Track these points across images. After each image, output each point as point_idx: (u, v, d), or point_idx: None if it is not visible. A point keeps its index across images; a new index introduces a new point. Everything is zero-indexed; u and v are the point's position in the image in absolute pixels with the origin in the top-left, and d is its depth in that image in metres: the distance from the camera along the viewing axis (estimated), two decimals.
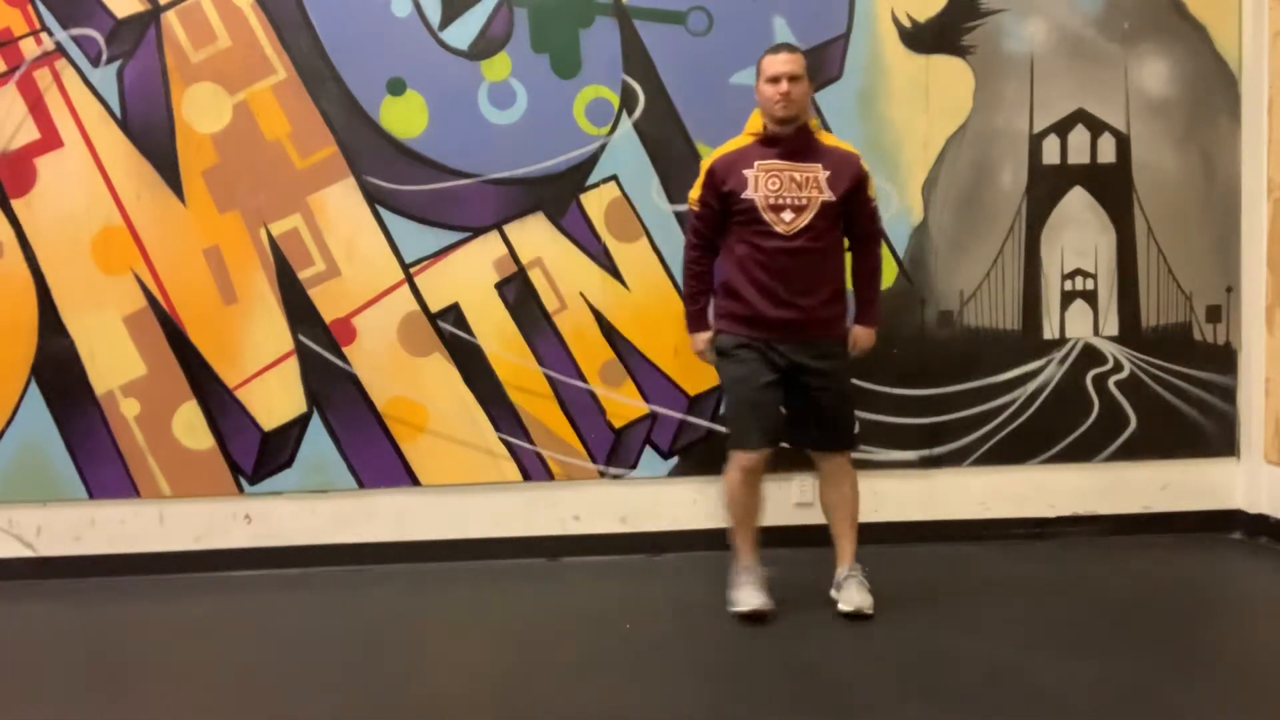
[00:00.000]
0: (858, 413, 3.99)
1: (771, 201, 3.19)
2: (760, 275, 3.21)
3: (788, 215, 3.19)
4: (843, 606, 3.22)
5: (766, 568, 3.33)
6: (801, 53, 3.25)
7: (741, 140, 3.30)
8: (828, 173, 3.22)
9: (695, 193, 3.33)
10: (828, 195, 3.21)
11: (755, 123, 3.28)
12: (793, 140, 3.22)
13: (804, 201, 3.19)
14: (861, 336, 3.40)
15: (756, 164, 3.21)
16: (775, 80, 3.18)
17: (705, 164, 3.31)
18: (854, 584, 3.26)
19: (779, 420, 3.31)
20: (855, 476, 3.38)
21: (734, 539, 3.33)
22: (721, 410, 3.89)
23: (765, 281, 3.20)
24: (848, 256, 3.38)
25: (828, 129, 3.78)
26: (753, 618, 3.20)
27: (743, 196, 3.20)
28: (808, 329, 3.23)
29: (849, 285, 3.39)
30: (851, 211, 3.29)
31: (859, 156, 3.32)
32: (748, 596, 3.24)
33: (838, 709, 2.63)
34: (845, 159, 3.27)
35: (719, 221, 3.29)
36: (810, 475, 4.01)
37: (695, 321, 3.40)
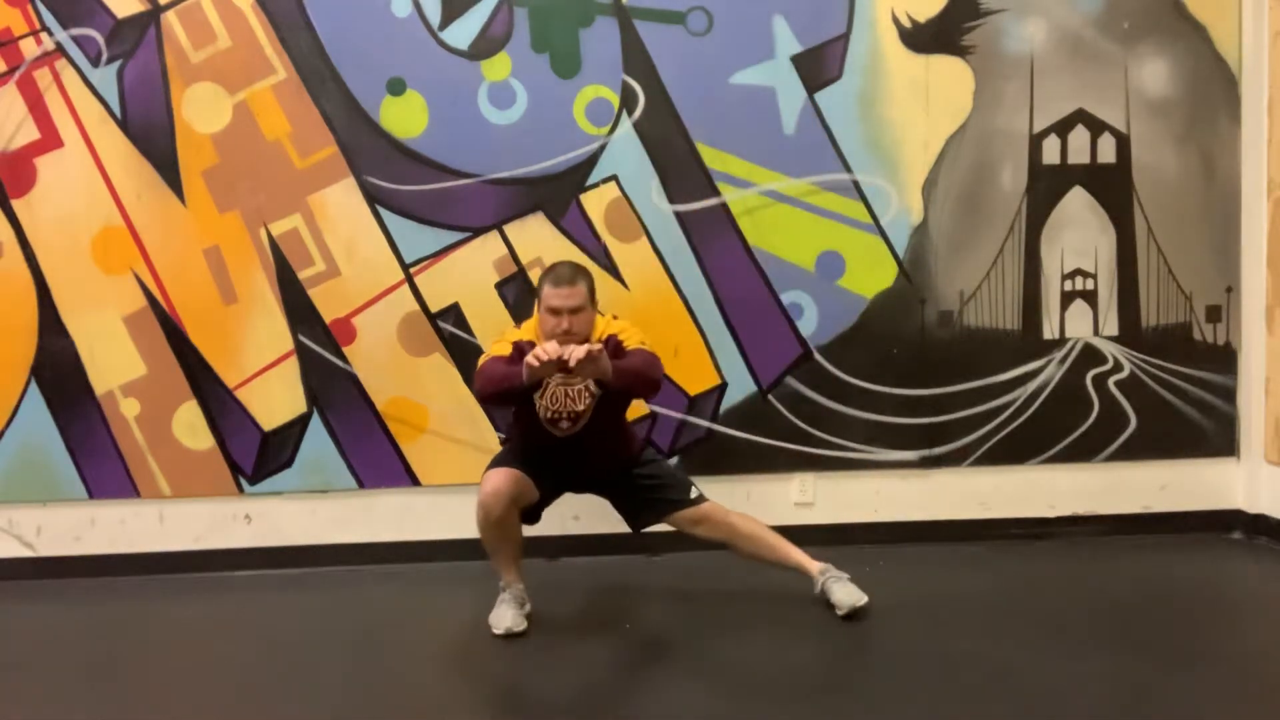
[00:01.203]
0: (857, 412, 4.01)
1: (548, 415, 3.16)
2: (546, 451, 3.21)
3: (564, 424, 3.18)
4: (839, 611, 3.20)
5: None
6: (584, 279, 3.14)
7: (527, 333, 3.20)
8: (600, 345, 3.01)
9: (500, 347, 3.16)
10: (598, 388, 3.14)
11: (538, 334, 3.16)
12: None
13: (579, 409, 3.16)
14: (594, 354, 2.94)
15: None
16: (556, 313, 3.09)
17: (511, 337, 3.19)
18: (834, 585, 3.23)
19: (532, 484, 3.21)
20: (736, 514, 3.32)
21: (493, 563, 3.29)
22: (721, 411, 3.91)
23: (547, 455, 3.22)
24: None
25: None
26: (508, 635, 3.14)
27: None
28: (597, 473, 3.29)
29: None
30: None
31: (617, 331, 3.17)
32: (502, 618, 3.17)
33: (838, 709, 2.63)
34: (609, 342, 3.12)
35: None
36: (811, 474, 4.03)
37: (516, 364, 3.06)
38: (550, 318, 3.12)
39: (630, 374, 3.08)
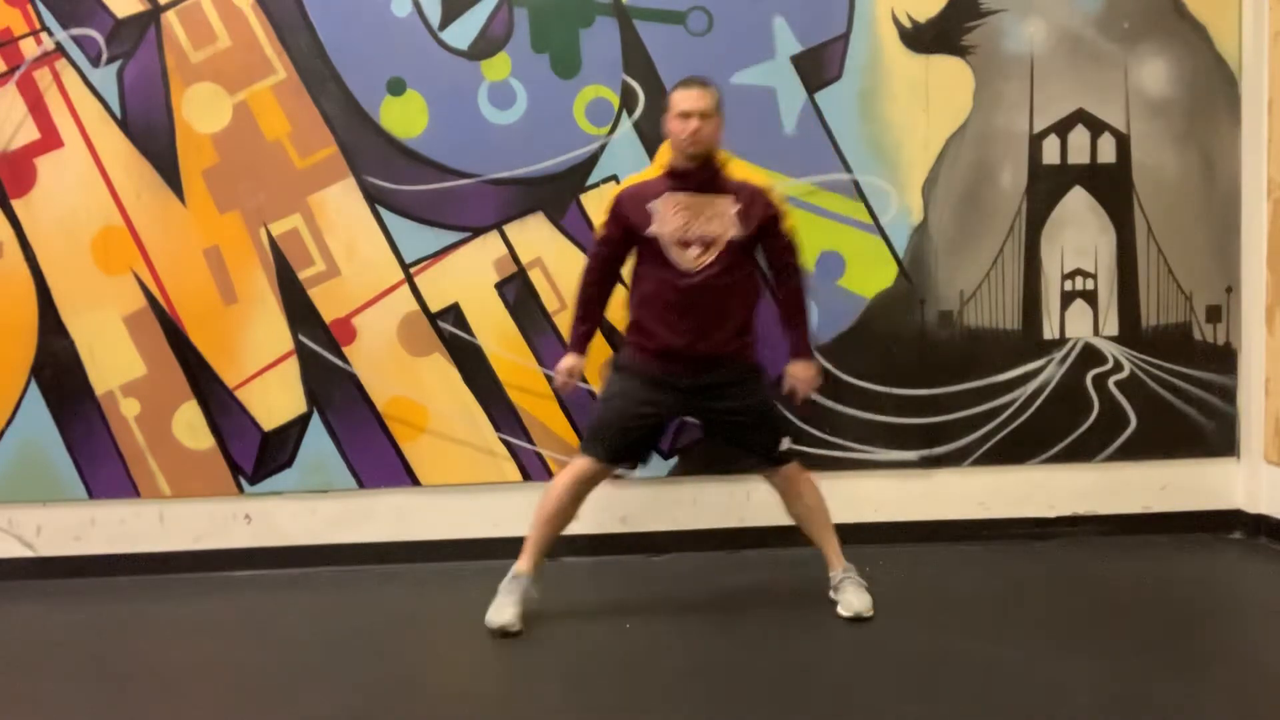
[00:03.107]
0: (857, 412, 4.01)
1: (678, 237, 3.15)
2: (666, 310, 3.19)
3: (694, 251, 3.16)
4: (842, 611, 3.22)
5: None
6: (714, 88, 3.21)
7: (651, 172, 3.28)
8: (738, 207, 3.17)
9: (601, 219, 3.30)
10: (736, 231, 3.17)
11: (665, 155, 3.25)
12: (701, 174, 3.18)
13: (711, 237, 3.16)
14: (800, 372, 3.36)
15: (664, 198, 3.17)
16: (686, 116, 3.13)
17: (612, 195, 3.29)
18: (850, 586, 3.27)
19: (632, 450, 3.29)
20: (810, 483, 3.36)
21: (529, 539, 3.28)
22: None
23: (671, 317, 3.19)
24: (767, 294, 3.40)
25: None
26: (503, 634, 3.14)
27: (648, 231, 3.17)
28: (715, 363, 3.23)
29: (775, 317, 3.40)
30: (766, 247, 3.27)
31: (771, 190, 3.27)
32: (500, 611, 3.17)
33: (838, 709, 2.63)
34: (757, 194, 3.22)
35: (621, 254, 3.28)
36: (811, 474, 4.02)
37: (572, 343, 3.39)
38: (679, 122, 3.14)
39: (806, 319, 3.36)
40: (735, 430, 3.32)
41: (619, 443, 3.26)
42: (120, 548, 3.89)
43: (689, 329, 3.18)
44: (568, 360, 3.37)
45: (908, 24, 3.96)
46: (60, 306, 3.83)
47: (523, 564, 3.27)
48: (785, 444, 3.34)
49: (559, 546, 3.89)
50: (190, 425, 3.87)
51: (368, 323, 3.89)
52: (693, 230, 3.16)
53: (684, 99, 3.15)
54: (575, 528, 3.87)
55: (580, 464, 3.28)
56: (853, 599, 3.22)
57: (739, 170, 3.29)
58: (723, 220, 3.17)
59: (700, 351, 3.20)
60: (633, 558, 3.92)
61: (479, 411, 3.92)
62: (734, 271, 3.20)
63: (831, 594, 3.31)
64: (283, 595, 3.69)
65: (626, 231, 3.23)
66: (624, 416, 3.25)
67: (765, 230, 3.23)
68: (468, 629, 3.21)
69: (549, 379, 3.92)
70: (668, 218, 3.16)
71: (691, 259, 3.16)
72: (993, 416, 4.06)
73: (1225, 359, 4.12)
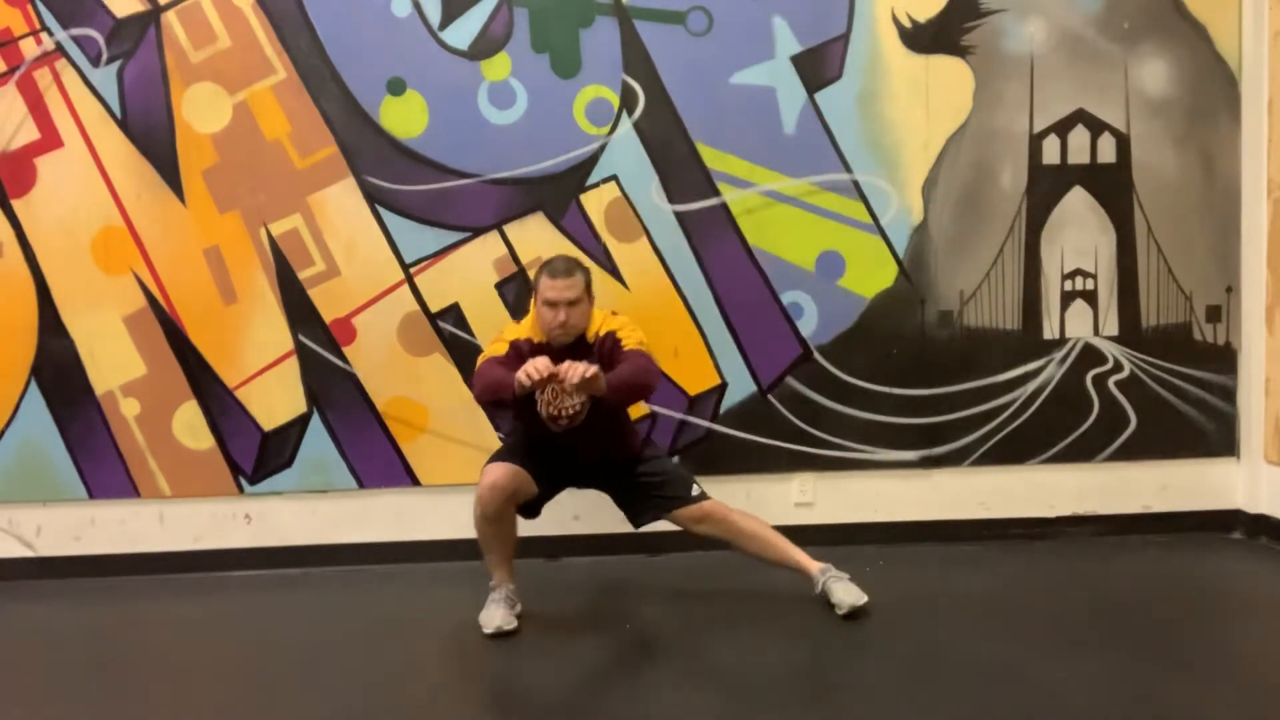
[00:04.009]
0: (858, 412, 4.01)
1: (549, 411, 3.09)
2: (545, 444, 3.19)
3: (563, 421, 3.10)
4: (839, 610, 3.20)
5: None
6: (581, 271, 3.16)
7: (524, 330, 3.22)
8: (596, 366, 3.03)
9: (497, 347, 3.20)
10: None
11: (536, 330, 3.20)
12: (570, 352, 3.10)
13: (577, 405, 3.08)
14: (591, 374, 2.96)
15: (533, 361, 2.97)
16: (552, 306, 3.10)
17: (509, 336, 3.21)
18: (835, 585, 3.24)
19: (531, 479, 3.22)
20: (741, 514, 3.32)
21: (486, 561, 3.27)
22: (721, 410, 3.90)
23: (549, 452, 3.20)
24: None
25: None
26: (499, 634, 3.14)
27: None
28: (595, 467, 3.27)
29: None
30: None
31: (616, 325, 3.20)
32: (490, 617, 3.17)
33: (838, 709, 2.63)
34: (605, 340, 3.17)
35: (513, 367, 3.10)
36: (811, 474, 4.03)
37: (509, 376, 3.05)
38: (547, 310, 3.13)
39: (625, 387, 3.08)
40: (640, 490, 3.29)
41: (521, 462, 3.19)
42: (120, 548, 3.89)
43: (570, 456, 3.21)
44: (539, 362, 3.00)
45: (908, 24, 3.96)
46: (60, 306, 3.83)
47: (495, 579, 3.28)
48: (697, 488, 3.29)
49: (559, 546, 3.91)
50: (190, 425, 3.87)
51: (368, 323, 3.90)
52: (561, 405, 3.07)
53: (550, 288, 3.10)
54: (575, 527, 3.89)
55: (489, 477, 3.14)
56: (843, 595, 3.20)
57: (596, 320, 3.23)
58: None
59: (585, 466, 3.26)
60: (633, 558, 3.92)
61: (479, 411, 3.91)
62: (599, 413, 3.13)
63: (823, 598, 3.27)
64: (283, 595, 3.69)
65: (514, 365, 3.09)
66: (517, 454, 3.21)
67: (611, 356, 3.16)
68: (467, 629, 3.21)
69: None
70: (538, 392, 3.03)
71: (561, 426, 3.10)
72: (993, 416, 4.06)
73: (1225, 359, 4.12)
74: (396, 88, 3.86)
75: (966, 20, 3.98)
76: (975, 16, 3.98)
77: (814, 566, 3.30)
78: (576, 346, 3.19)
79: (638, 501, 3.34)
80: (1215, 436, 4.13)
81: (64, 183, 3.81)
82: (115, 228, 3.83)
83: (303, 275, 3.87)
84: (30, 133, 3.80)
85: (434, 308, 3.91)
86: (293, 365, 3.89)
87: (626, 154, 3.90)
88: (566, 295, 3.11)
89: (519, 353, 3.14)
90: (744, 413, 3.99)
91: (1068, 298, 4.08)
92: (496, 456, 3.26)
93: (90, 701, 2.81)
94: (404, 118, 3.86)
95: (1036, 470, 4.09)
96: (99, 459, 3.86)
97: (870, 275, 4.00)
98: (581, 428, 3.15)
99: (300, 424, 3.90)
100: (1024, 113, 4.02)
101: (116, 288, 3.83)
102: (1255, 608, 3.43)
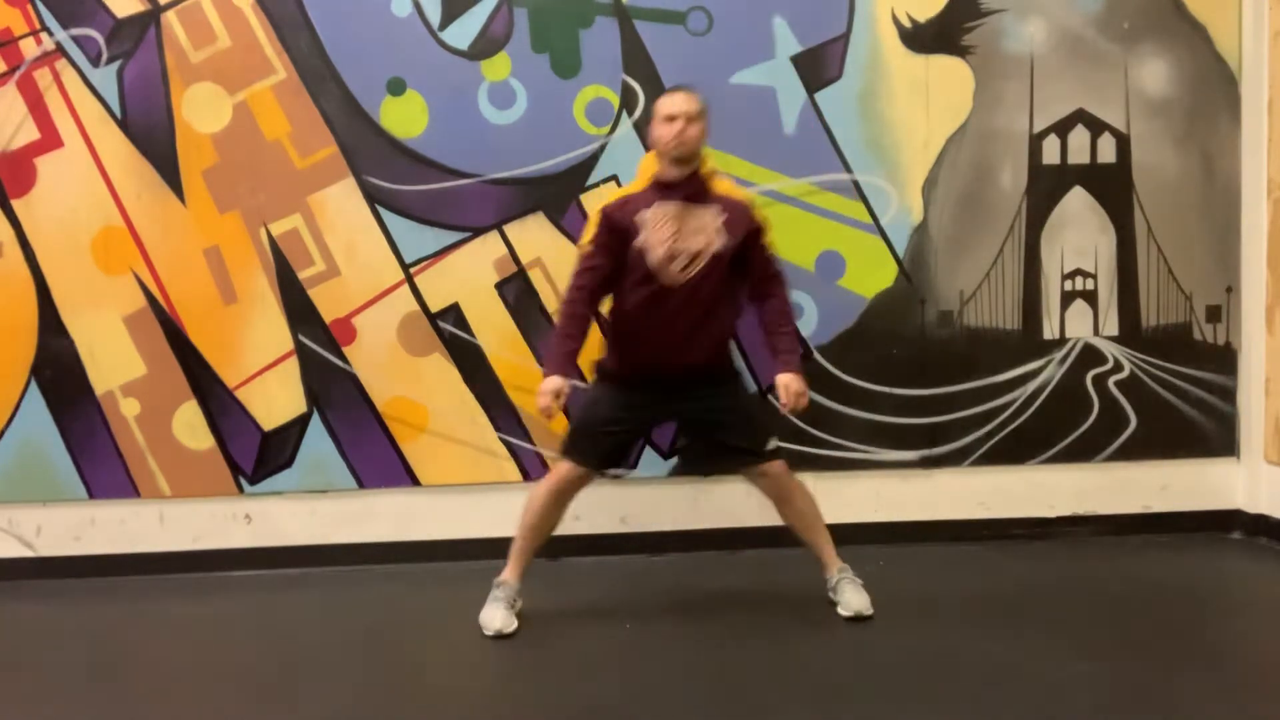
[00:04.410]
0: (858, 412, 4.01)
1: (664, 250, 3.13)
2: (650, 322, 3.17)
3: (680, 263, 3.13)
4: (842, 612, 3.23)
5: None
6: (699, 95, 3.20)
7: (636, 186, 3.26)
8: (723, 218, 3.17)
9: (586, 237, 3.26)
10: (721, 243, 3.16)
11: (650, 167, 3.24)
12: (688, 186, 3.16)
13: (696, 249, 3.14)
14: (790, 383, 3.23)
15: (650, 210, 3.15)
16: (671, 119, 3.12)
17: (597, 209, 3.26)
18: (847, 586, 3.26)
19: (612, 455, 3.29)
20: (800, 485, 3.35)
21: (514, 548, 3.28)
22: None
23: (655, 328, 3.17)
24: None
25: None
26: (498, 636, 3.15)
27: (635, 244, 3.15)
28: (697, 373, 3.23)
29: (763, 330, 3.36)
30: (749, 260, 3.25)
31: (754, 205, 3.28)
32: (491, 617, 3.18)
33: (838, 709, 2.63)
34: (741, 208, 3.23)
35: (610, 267, 3.20)
36: (811, 474, 4.01)
37: (557, 363, 3.19)
38: (664, 126, 3.13)
39: (792, 329, 3.34)
40: (718, 430, 3.30)
41: (598, 448, 3.25)
42: (120, 548, 3.89)
43: (672, 340, 3.17)
44: (554, 382, 3.13)
45: (908, 24, 3.96)
46: (60, 306, 3.83)
47: (508, 573, 3.28)
48: (773, 443, 3.32)
49: (559, 546, 3.90)
50: (190, 425, 3.87)
51: (368, 323, 3.89)
52: (679, 243, 3.14)
53: (669, 103, 3.15)
54: (576, 527, 3.87)
55: (560, 470, 3.27)
56: (852, 598, 3.23)
57: (723, 185, 3.28)
58: (708, 233, 3.16)
59: (683, 362, 3.20)
60: (633, 558, 3.92)
61: (479, 411, 3.92)
62: (718, 284, 3.19)
63: (830, 595, 3.31)
64: (283, 595, 3.68)
65: (614, 245, 3.18)
66: (604, 422, 3.24)
67: (748, 244, 3.22)
68: (467, 629, 3.21)
69: None
70: (655, 229, 3.14)
71: (677, 271, 3.14)
72: (993, 416, 4.06)
73: (1225, 359, 4.12)
74: (396, 88, 3.86)
75: (966, 20, 3.98)
76: (975, 16, 3.98)
77: (835, 563, 3.33)
78: (697, 189, 3.18)
79: (711, 442, 3.33)
80: (1215, 436, 4.13)
81: (64, 183, 3.80)
82: (115, 228, 3.83)
83: (303, 275, 3.87)
84: (30, 133, 3.80)
85: (434, 308, 3.91)
86: (293, 365, 3.89)
87: (626, 154, 3.89)
88: (685, 108, 3.11)
89: (613, 225, 3.17)
90: None
91: (1068, 298, 4.08)
92: (577, 436, 3.27)
93: (90, 701, 2.81)
94: (404, 118, 3.86)
95: (1036, 470, 4.09)
96: (99, 459, 3.86)
97: (870, 275, 4.00)
98: (695, 286, 3.14)
99: (300, 424, 3.90)
100: (1024, 113, 4.02)
101: (116, 288, 3.83)
102: (1255, 608, 3.43)
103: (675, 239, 3.13)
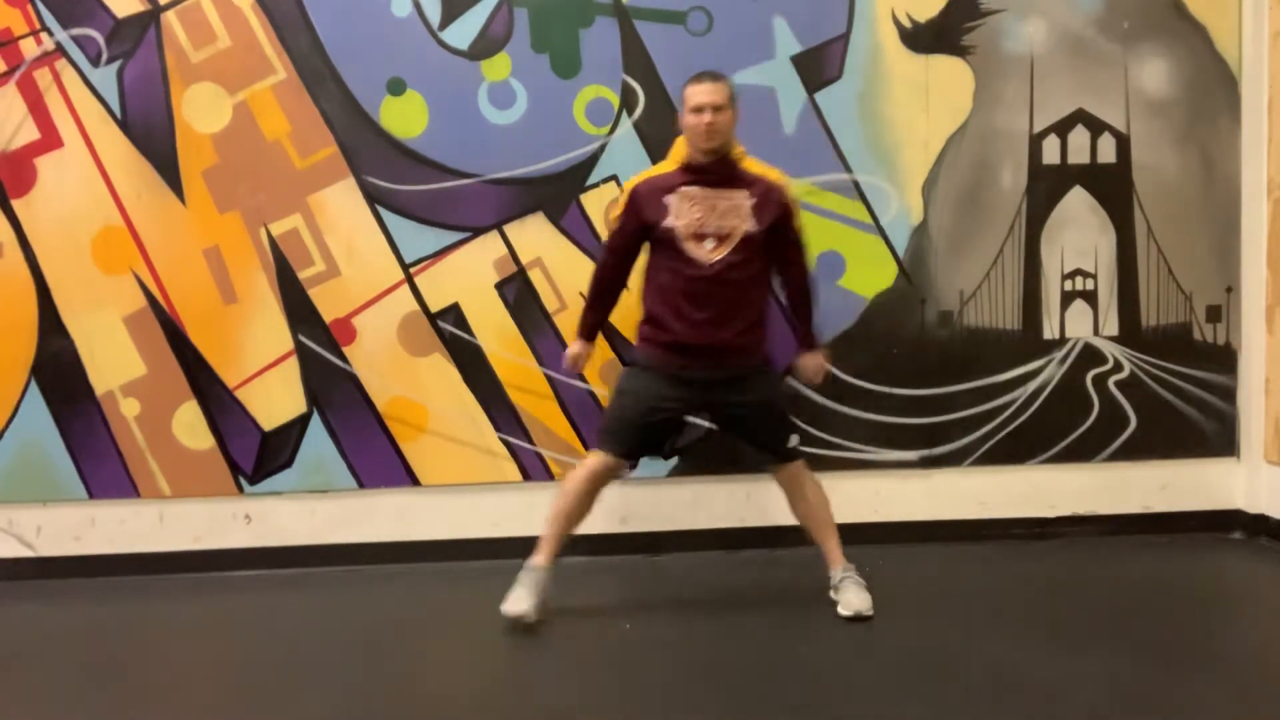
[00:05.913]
0: (858, 412, 4.01)
1: (693, 230, 3.16)
2: (681, 303, 3.19)
3: (709, 244, 3.16)
4: (842, 611, 3.23)
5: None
6: (727, 81, 3.22)
7: (666, 166, 3.28)
8: (753, 201, 3.19)
9: (615, 212, 3.32)
10: (751, 225, 3.18)
11: (680, 151, 3.26)
12: (717, 169, 3.19)
13: (726, 231, 3.17)
14: (809, 363, 3.44)
15: (679, 191, 3.18)
16: (699, 110, 3.14)
17: (628, 187, 3.29)
18: (850, 585, 3.27)
19: (646, 445, 3.32)
20: (814, 481, 3.38)
21: (544, 535, 3.30)
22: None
23: (686, 310, 3.19)
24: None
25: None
26: (517, 622, 3.16)
27: (664, 224, 3.18)
28: (727, 356, 3.23)
29: (785, 313, 3.44)
30: (777, 241, 3.26)
31: (785, 186, 3.29)
32: (517, 601, 3.18)
33: (838, 709, 2.63)
34: (772, 189, 3.24)
35: (635, 245, 3.29)
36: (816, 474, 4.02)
37: (579, 330, 3.42)
38: (692, 116, 3.16)
39: (814, 312, 3.42)
40: (748, 424, 3.33)
41: (633, 439, 3.27)
42: (120, 548, 3.89)
43: (704, 322, 3.19)
44: (575, 346, 3.41)
45: (908, 24, 3.96)
46: (60, 306, 3.83)
47: (539, 558, 3.28)
48: (794, 440, 3.36)
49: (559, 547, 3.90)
50: (190, 425, 3.87)
51: (368, 323, 3.90)
52: (708, 224, 3.17)
53: (697, 93, 3.16)
54: (576, 527, 3.87)
55: (594, 460, 3.30)
56: (853, 598, 3.23)
57: (754, 165, 3.29)
58: (738, 214, 3.18)
59: (715, 344, 3.21)
60: (633, 558, 3.92)
61: (479, 411, 3.92)
62: (748, 265, 3.21)
63: (831, 593, 3.31)
64: (283, 595, 3.68)
65: (641, 224, 3.23)
66: (638, 412, 3.26)
67: (777, 225, 3.24)
68: (467, 629, 3.21)
69: (549, 379, 3.93)
70: (683, 211, 3.17)
71: (707, 252, 3.17)
72: (993, 416, 4.06)
73: (1225, 359, 4.12)
74: (396, 88, 3.86)
75: (966, 20, 3.98)
76: (975, 16, 3.98)
77: (841, 562, 3.35)
78: (726, 171, 3.20)
79: (741, 430, 3.38)
80: (1215, 436, 4.13)
81: (64, 183, 3.80)
82: (115, 228, 3.83)
83: (303, 275, 3.87)
84: (30, 133, 3.80)
85: (434, 308, 3.91)
86: (293, 365, 3.89)
87: (626, 154, 3.90)
88: (713, 98, 3.13)
89: (641, 204, 3.21)
90: None
91: (1068, 298, 4.08)
92: (613, 427, 3.29)
93: (90, 701, 2.81)
94: (404, 118, 3.86)
95: (1036, 470, 4.09)
96: (99, 459, 3.86)
97: (870, 275, 4.01)
98: (726, 267, 3.16)
99: (300, 424, 3.90)
100: (1024, 113, 4.02)
101: (116, 288, 3.83)
102: (1255, 608, 3.43)
103: (704, 220, 3.17)
